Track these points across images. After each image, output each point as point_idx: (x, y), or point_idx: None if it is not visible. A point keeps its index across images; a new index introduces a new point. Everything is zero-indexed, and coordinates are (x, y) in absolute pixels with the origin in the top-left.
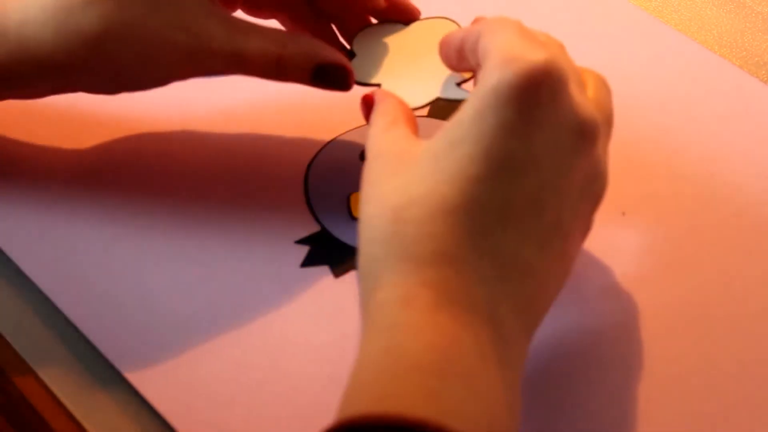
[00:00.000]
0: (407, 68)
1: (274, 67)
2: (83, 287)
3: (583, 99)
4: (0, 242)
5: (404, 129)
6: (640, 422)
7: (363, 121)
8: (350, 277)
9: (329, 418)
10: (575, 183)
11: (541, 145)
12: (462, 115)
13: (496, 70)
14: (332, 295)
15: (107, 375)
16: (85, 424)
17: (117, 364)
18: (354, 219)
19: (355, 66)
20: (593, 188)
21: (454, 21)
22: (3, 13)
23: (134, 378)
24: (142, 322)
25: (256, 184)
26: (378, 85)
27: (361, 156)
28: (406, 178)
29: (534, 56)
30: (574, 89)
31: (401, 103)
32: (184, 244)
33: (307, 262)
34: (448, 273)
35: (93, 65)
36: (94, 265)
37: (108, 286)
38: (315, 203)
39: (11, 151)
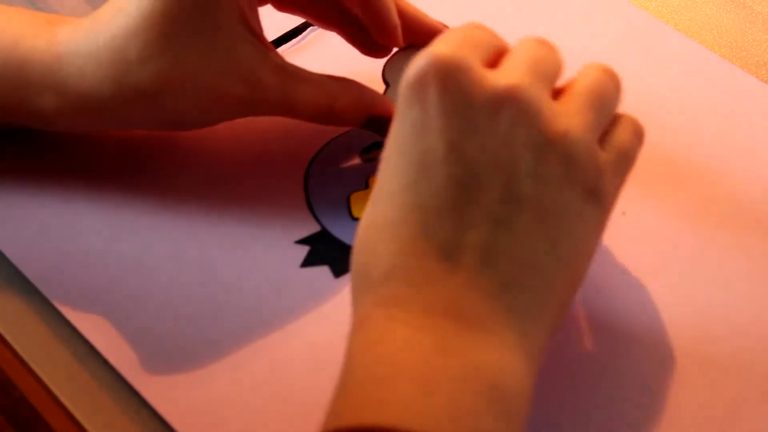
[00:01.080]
0: None
1: (326, 116)
2: (83, 288)
3: (505, 73)
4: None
5: None
6: (635, 422)
7: None
8: (350, 278)
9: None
10: (519, 150)
11: (456, 132)
12: (389, 134)
13: (402, 80)
14: (332, 295)
15: (107, 375)
16: (85, 424)
17: (117, 365)
18: (354, 219)
19: (390, 96)
20: (552, 152)
21: None
22: (59, 68)
23: (134, 378)
24: (142, 322)
25: (256, 184)
26: None
27: (362, 155)
28: (366, 210)
29: (425, 56)
30: (486, 71)
31: None
32: (183, 245)
33: (307, 262)
34: (397, 287)
35: (152, 116)
36: (94, 266)
37: (108, 286)
38: (315, 203)
39: (11, 152)
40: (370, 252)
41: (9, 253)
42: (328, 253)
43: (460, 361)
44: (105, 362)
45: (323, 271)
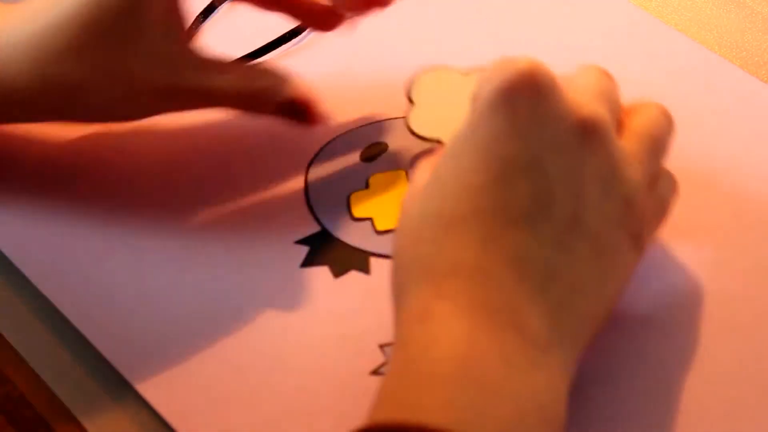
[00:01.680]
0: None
1: (244, 103)
2: (83, 288)
3: (587, 99)
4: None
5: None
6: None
7: (364, 121)
8: (350, 278)
9: (329, 418)
10: (590, 180)
11: (540, 146)
12: (458, 131)
13: (482, 85)
14: (332, 296)
15: (107, 375)
16: (85, 424)
17: (117, 365)
18: (354, 219)
19: (414, 116)
20: (615, 192)
21: None
22: None
23: (134, 378)
24: (142, 322)
25: (256, 184)
26: (438, 141)
27: (362, 156)
28: (419, 199)
29: (514, 64)
30: (569, 93)
31: None
32: (183, 245)
33: (307, 262)
34: (463, 283)
35: (76, 109)
36: (94, 266)
37: (108, 287)
38: (315, 203)
39: (10, 152)
40: (433, 243)
41: (9, 253)
42: (328, 253)
43: (521, 377)
44: (105, 362)
45: (323, 272)
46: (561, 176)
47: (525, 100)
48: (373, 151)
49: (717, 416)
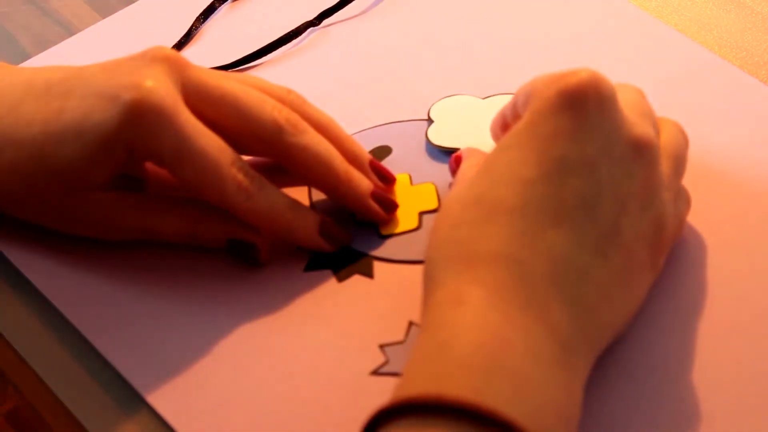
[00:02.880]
0: (484, 138)
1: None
2: (83, 288)
3: (639, 120)
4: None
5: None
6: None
7: (366, 125)
8: (353, 282)
9: (329, 418)
10: (635, 195)
11: (597, 151)
12: (516, 127)
13: (547, 87)
14: (335, 300)
15: (107, 375)
16: (86, 424)
17: (117, 365)
18: (357, 223)
19: (434, 131)
20: (651, 212)
21: None
22: None
23: (134, 378)
24: (143, 323)
25: None
26: (456, 149)
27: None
28: (464, 186)
29: (580, 72)
30: (625, 110)
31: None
32: (186, 249)
33: (310, 266)
34: (500, 272)
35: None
36: (94, 266)
37: (108, 287)
38: (318, 207)
39: None
40: (474, 227)
41: (9, 254)
42: (331, 257)
43: (544, 373)
44: (105, 362)
45: (326, 276)
46: (610, 184)
47: (589, 104)
48: (377, 155)
49: (717, 416)
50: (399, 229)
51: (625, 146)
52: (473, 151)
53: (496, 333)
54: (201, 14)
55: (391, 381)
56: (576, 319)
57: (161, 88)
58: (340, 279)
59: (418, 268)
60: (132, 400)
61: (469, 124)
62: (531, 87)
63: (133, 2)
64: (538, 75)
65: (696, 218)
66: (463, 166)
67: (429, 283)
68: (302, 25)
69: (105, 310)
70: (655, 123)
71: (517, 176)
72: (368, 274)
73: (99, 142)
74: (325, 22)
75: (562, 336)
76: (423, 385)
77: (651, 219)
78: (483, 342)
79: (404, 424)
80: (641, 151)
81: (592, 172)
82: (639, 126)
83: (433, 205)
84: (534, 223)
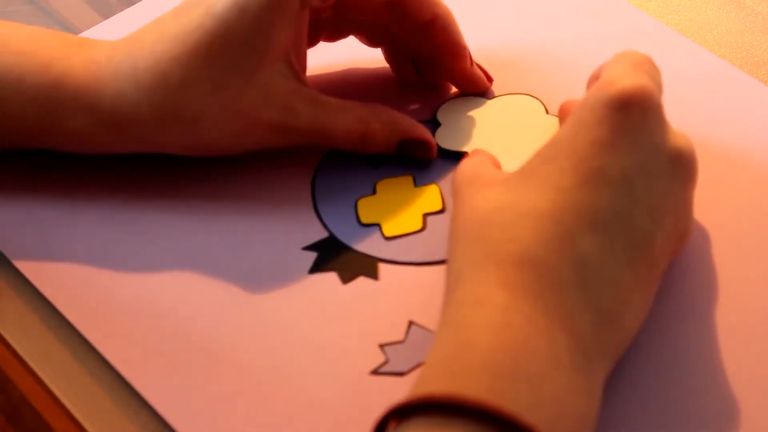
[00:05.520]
0: (491, 140)
1: (359, 141)
2: (83, 288)
3: (679, 133)
4: None
5: (494, 168)
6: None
7: None
8: (358, 283)
9: (329, 418)
10: (670, 211)
11: (635, 165)
12: (557, 134)
13: (593, 93)
14: (340, 301)
15: (107, 375)
16: (85, 424)
17: (117, 365)
18: (362, 225)
19: (441, 134)
20: (681, 225)
21: (536, 97)
22: (95, 89)
23: (134, 378)
24: (143, 323)
25: (263, 190)
26: (464, 152)
27: (369, 161)
28: (497, 190)
29: (629, 81)
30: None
31: (492, 156)
32: (189, 250)
33: (315, 268)
34: (527, 275)
35: (185, 140)
36: (94, 266)
37: (108, 287)
38: (322, 209)
39: (11, 152)
40: (504, 228)
41: (9, 253)
42: (336, 259)
43: (565, 379)
44: (105, 362)
45: (331, 277)
46: (647, 198)
47: (633, 117)
48: (380, 156)
49: (717, 416)
50: (403, 231)
51: (665, 160)
52: (480, 153)
53: (518, 336)
54: None
55: (391, 381)
56: (598, 326)
57: None
58: (345, 280)
59: (422, 270)
60: (132, 400)
61: (476, 126)
62: (602, 75)
63: (134, 2)
64: (616, 58)
65: (696, 218)
66: (467, 158)
67: (453, 280)
68: None
69: (105, 309)
70: None
71: (552, 183)
72: (373, 275)
73: None
74: None
75: (585, 342)
76: (443, 384)
77: (680, 232)
78: (505, 344)
79: (423, 422)
80: (683, 166)
81: (630, 187)
82: (681, 138)
83: (438, 206)
84: (565, 229)
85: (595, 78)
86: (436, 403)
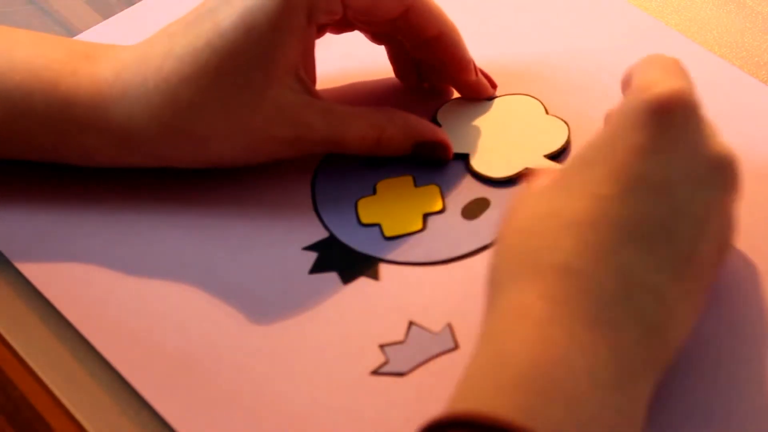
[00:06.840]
0: (492, 141)
1: (374, 147)
2: (83, 288)
3: (720, 138)
4: None
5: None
6: None
7: None
8: (359, 284)
9: (329, 418)
10: (713, 219)
11: (676, 171)
12: (595, 139)
13: (632, 97)
14: (340, 302)
15: (107, 375)
16: (85, 424)
17: (117, 365)
18: (362, 225)
19: None
20: (726, 233)
21: (536, 98)
22: (104, 108)
23: (134, 378)
24: (143, 323)
25: (263, 190)
26: (466, 154)
27: (369, 161)
28: (538, 199)
29: (668, 85)
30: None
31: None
32: (189, 250)
33: (316, 268)
34: (569, 287)
35: (200, 158)
36: (94, 266)
37: (108, 287)
38: (322, 209)
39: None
40: (546, 239)
41: (9, 254)
42: (336, 259)
43: (604, 397)
44: (105, 362)
45: (331, 278)
46: (688, 207)
47: (675, 123)
48: (382, 157)
49: (717, 416)
50: (403, 231)
51: (709, 168)
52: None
53: (557, 351)
54: None
55: (392, 381)
56: (642, 341)
57: None
58: (345, 281)
59: (423, 270)
60: (132, 400)
61: (476, 126)
62: (634, 79)
63: (134, 2)
64: (646, 61)
65: None
66: (536, 177)
67: (493, 291)
68: None
69: (105, 309)
70: None
71: (593, 193)
72: (374, 275)
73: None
74: None
75: (627, 358)
76: (478, 401)
77: (723, 242)
78: (543, 359)
79: None
80: (724, 171)
81: (671, 195)
82: (722, 144)
83: (438, 206)
84: (607, 239)
85: (626, 83)
86: (467, 421)
